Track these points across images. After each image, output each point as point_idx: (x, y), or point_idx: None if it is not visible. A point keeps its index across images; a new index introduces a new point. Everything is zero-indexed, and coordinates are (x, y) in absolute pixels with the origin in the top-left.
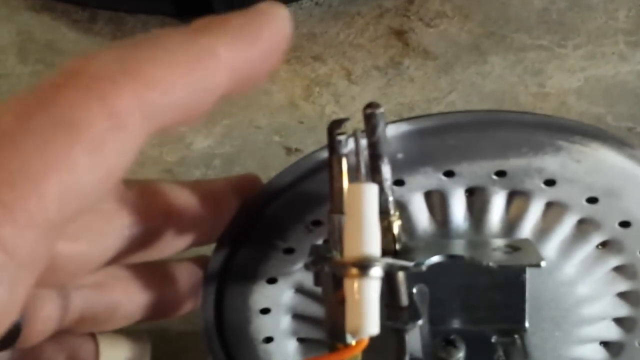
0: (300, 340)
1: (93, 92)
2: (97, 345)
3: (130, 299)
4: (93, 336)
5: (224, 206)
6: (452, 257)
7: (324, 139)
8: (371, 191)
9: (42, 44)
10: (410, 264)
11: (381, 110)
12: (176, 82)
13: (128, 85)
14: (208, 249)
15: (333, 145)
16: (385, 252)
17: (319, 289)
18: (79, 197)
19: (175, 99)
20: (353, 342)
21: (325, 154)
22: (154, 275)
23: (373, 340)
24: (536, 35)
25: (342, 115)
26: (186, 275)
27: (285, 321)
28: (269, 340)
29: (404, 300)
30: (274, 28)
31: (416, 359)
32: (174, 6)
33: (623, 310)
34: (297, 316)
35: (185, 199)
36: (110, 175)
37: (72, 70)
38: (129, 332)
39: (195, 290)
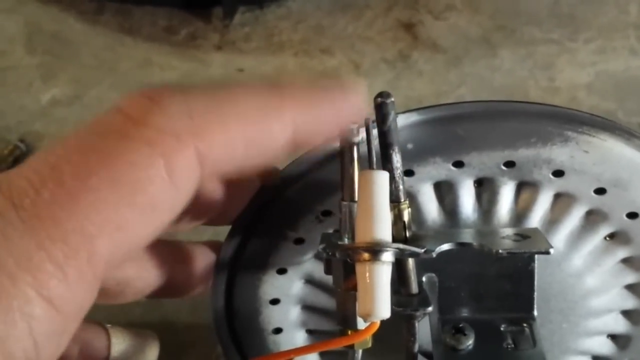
0: (309, 331)
1: (157, 149)
2: (109, 339)
3: (141, 275)
4: (105, 330)
5: (244, 187)
6: (461, 245)
7: None
8: (382, 178)
9: (49, 35)
10: (420, 250)
11: (392, 99)
12: (238, 142)
13: (192, 144)
14: (223, 235)
15: (344, 134)
16: (395, 240)
17: (328, 281)
18: (128, 252)
19: (232, 157)
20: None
21: (334, 145)
22: (168, 254)
23: (382, 330)
24: (547, 29)
25: None
26: (199, 258)
27: (294, 312)
28: (278, 331)
29: (414, 288)
30: (346, 104)
31: (425, 351)
32: None
33: (631, 302)
34: (307, 307)
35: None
36: (159, 230)
37: (137, 117)
38: (139, 329)
39: (206, 275)
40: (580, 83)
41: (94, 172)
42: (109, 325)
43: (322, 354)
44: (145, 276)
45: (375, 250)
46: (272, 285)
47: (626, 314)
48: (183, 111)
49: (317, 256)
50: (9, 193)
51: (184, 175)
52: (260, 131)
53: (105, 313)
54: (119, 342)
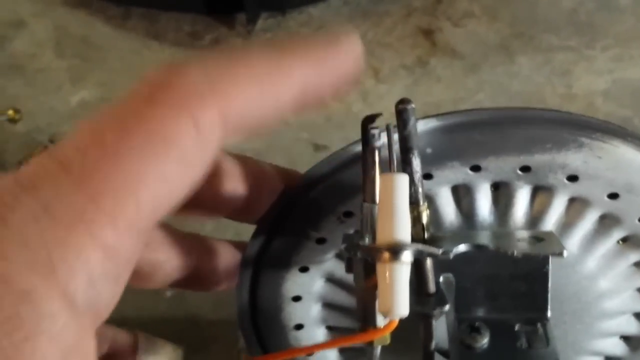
0: (329, 328)
1: (183, 108)
2: (135, 344)
3: (170, 260)
4: (133, 335)
5: (267, 186)
6: (478, 246)
7: (351, 136)
8: (402, 181)
9: (78, 39)
10: (438, 251)
11: (412, 105)
12: (253, 99)
13: (213, 101)
14: (246, 237)
15: (367, 138)
16: (414, 241)
17: (348, 279)
18: (168, 204)
19: (250, 114)
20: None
21: (357, 148)
22: (195, 245)
23: (401, 330)
24: (564, 37)
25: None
26: (224, 254)
27: (315, 309)
28: (299, 327)
29: (432, 287)
30: (346, 55)
31: (442, 349)
32: (205, 4)
33: None
34: (327, 305)
35: (232, 167)
36: (194, 183)
37: (162, 83)
38: (165, 340)
39: (230, 272)
40: (597, 90)
41: (131, 131)
42: (137, 332)
43: (341, 351)
44: (173, 262)
45: (395, 250)
46: (295, 282)
47: (638, 316)
48: (202, 75)
49: (338, 255)
50: (59, 159)
51: (210, 132)
52: (271, 90)
53: (132, 307)
54: (145, 344)
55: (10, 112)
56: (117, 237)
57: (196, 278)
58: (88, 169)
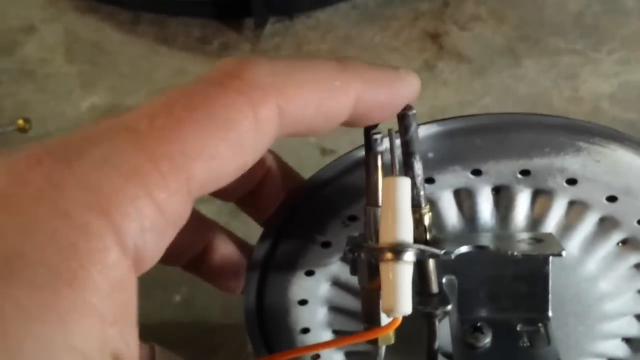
0: (335, 332)
1: (246, 98)
2: (152, 353)
3: (188, 238)
4: (150, 347)
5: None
6: (479, 248)
7: (357, 140)
8: (404, 184)
9: (88, 44)
10: (440, 251)
11: (413, 111)
12: (310, 104)
13: (274, 97)
14: (253, 239)
15: (369, 144)
16: (417, 242)
17: (353, 283)
18: (216, 181)
19: (304, 117)
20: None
21: (360, 153)
22: (211, 229)
23: (405, 332)
24: (571, 40)
25: None
26: (222, 242)
27: (321, 313)
28: (305, 331)
29: (434, 288)
30: (403, 88)
31: (445, 352)
32: (214, 9)
33: None
34: (333, 308)
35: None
36: (242, 168)
37: (232, 72)
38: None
39: (230, 266)
40: (603, 93)
41: (198, 108)
42: (152, 343)
43: (347, 355)
44: (190, 239)
45: (398, 250)
46: (301, 286)
47: (639, 318)
48: (268, 71)
49: (343, 259)
50: (125, 121)
51: (266, 123)
52: (328, 99)
53: (140, 312)
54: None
55: (20, 121)
56: (167, 197)
57: (201, 262)
58: (152, 133)
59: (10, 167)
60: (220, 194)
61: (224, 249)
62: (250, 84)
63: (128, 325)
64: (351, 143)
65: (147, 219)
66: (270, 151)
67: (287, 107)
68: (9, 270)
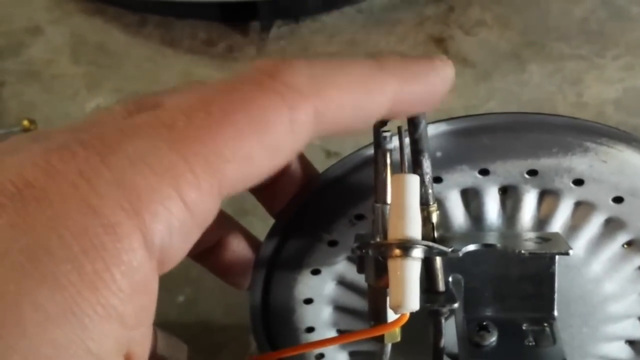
0: (340, 331)
1: (284, 100)
2: (155, 335)
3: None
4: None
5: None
6: (486, 246)
7: (362, 143)
8: (413, 181)
9: (94, 46)
10: (447, 249)
11: None
12: (347, 106)
13: (311, 100)
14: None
15: (378, 141)
16: (425, 240)
17: (359, 282)
18: (246, 182)
19: (340, 118)
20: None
21: (368, 152)
22: (225, 221)
23: (411, 332)
24: (575, 45)
25: None
26: (235, 237)
27: (326, 312)
28: (310, 330)
29: (441, 286)
30: (439, 79)
31: (451, 352)
32: (220, 12)
33: None
34: (338, 308)
35: None
36: (274, 169)
37: (270, 73)
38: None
39: (237, 262)
40: (607, 99)
41: (235, 109)
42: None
43: (352, 354)
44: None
45: (406, 246)
46: (306, 285)
47: None
48: (306, 73)
49: (350, 258)
50: (163, 117)
51: (302, 126)
52: (365, 99)
53: None
54: (165, 343)
55: (26, 122)
56: (198, 197)
57: (211, 254)
58: (188, 131)
59: (43, 158)
60: None
61: (237, 245)
62: (288, 86)
63: (145, 327)
64: (356, 145)
65: (176, 220)
66: None
67: (324, 110)
68: (33, 265)
